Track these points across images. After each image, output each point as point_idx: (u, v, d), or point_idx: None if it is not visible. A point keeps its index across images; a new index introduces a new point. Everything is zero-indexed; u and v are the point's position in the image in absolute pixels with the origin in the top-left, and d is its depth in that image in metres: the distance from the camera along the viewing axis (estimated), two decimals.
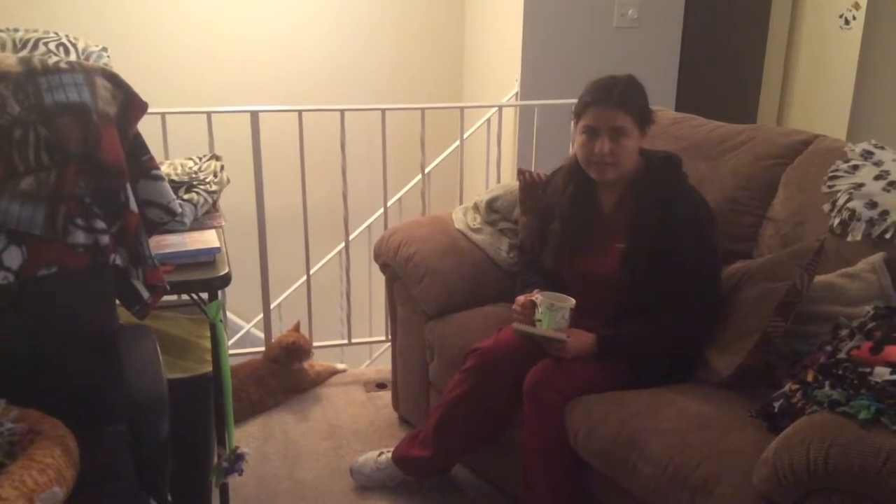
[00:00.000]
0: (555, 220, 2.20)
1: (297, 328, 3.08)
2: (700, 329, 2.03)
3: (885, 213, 2.03)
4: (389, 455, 2.40)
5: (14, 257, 1.45)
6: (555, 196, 2.23)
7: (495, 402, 2.15)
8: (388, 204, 3.46)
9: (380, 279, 2.92)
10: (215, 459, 2.07)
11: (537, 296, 2.07)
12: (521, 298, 2.13)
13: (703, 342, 2.03)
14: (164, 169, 2.16)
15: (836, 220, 2.10)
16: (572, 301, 2.05)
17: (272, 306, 3.31)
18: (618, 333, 2.05)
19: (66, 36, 1.82)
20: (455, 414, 2.20)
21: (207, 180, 2.21)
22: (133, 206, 1.57)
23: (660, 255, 2.01)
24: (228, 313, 3.92)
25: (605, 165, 2.06)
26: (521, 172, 2.62)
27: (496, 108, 3.58)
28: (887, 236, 2.00)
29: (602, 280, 2.10)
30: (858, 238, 2.04)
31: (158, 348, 1.85)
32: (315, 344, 3.17)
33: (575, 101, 3.31)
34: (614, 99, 2.03)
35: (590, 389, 1.98)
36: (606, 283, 2.09)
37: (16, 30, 1.79)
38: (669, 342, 2.04)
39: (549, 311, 2.03)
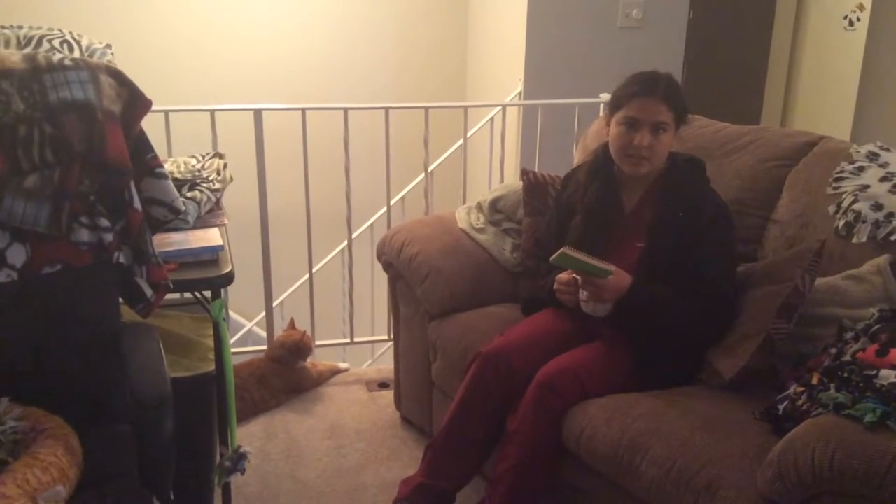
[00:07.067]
0: (576, 216, 2.18)
1: (291, 325, 3.08)
2: (716, 326, 2.00)
3: (890, 215, 2.02)
4: None
5: (18, 255, 1.45)
6: (576, 192, 2.22)
7: (501, 407, 2.04)
8: (391, 203, 3.46)
9: (382, 278, 2.92)
10: (217, 458, 2.06)
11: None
12: (562, 277, 2.07)
13: (713, 340, 2.01)
14: (168, 167, 2.16)
15: (842, 222, 2.09)
16: (613, 268, 1.98)
17: (274, 305, 3.30)
18: (651, 286, 1.99)
19: (70, 33, 1.82)
20: (459, 424, 2.08)
21: (211, 178, 2.20)
22: (137, 204, 1.56)
23: (680, 256, 2.00)
24: (231, 311, 3.92)
25: (641, 159, 2.04)
26: (524, 173, 2.62)
27: (500, 108, 3.58)
28: (893, 238, 2.00)
29: None
30: (864, 240, 2.04)
31: (161, 347, 1.85)
32: (317, 343, 3.16)
33: (578, 100, 3.36)
34: (661, 92, 2.01)
35: (597, 394, 1.96)
36: None
37: (19, 27, 1.79)
38: (692, 318, 1.98)
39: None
